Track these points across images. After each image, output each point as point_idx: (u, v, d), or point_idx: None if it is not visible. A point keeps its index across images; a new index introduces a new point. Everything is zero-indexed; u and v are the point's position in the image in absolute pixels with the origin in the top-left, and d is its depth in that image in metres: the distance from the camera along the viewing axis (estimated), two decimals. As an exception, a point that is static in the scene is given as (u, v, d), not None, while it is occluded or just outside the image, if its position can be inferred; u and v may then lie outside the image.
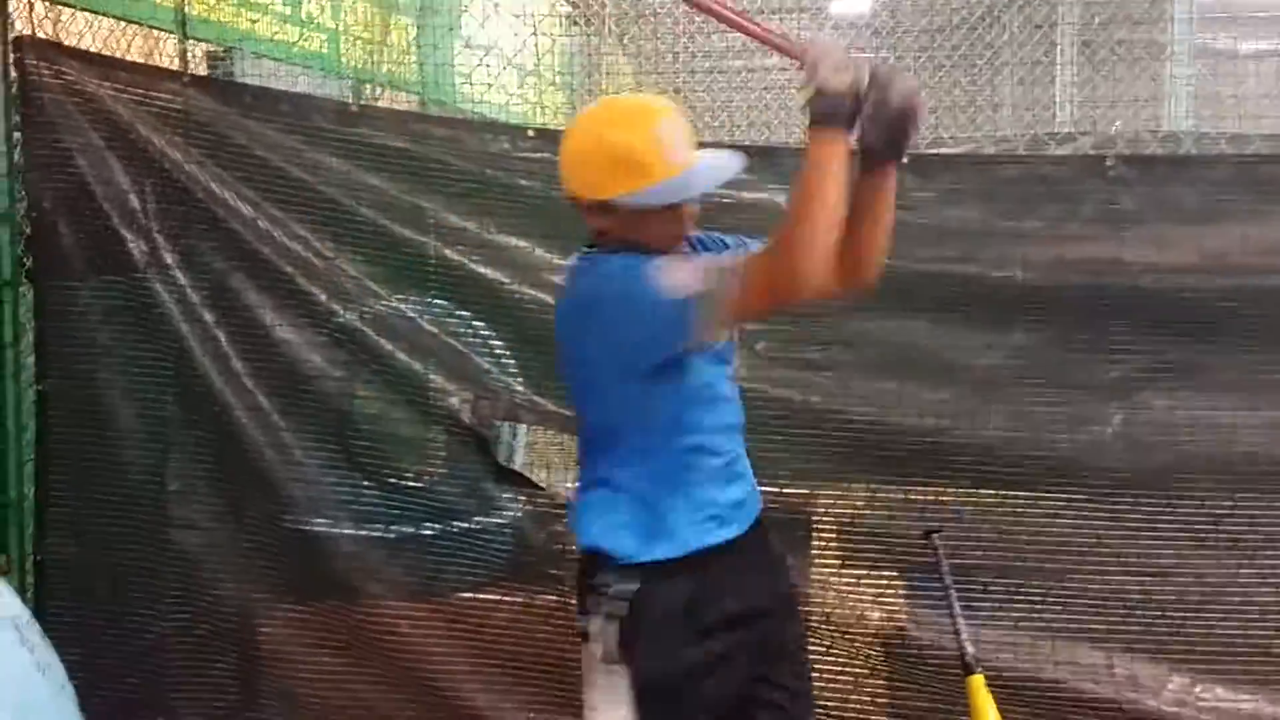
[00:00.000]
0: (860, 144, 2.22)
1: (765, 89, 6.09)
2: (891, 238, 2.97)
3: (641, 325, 2.25)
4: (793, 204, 2.17)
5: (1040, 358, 3.46)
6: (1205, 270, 3.38)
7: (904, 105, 2.15)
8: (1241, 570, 3.43)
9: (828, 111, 2.12)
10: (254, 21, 4.43)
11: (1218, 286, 3.37)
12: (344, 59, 5.01)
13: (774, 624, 2.52)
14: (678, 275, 2.20)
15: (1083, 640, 3.47)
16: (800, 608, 3.16)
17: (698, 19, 6.08)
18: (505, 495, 3.90)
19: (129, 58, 4.05)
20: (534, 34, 5.08)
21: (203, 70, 4.27)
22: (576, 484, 2.59)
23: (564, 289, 2.50)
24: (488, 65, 4.88)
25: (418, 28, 5.65)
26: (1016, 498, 3.52)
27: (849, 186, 2.20)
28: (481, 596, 3.91)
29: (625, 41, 6.68)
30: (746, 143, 5.25)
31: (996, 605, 3.50)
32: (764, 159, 3.55)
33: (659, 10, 6.49)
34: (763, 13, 7.33)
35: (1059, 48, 6.28)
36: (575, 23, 7.08)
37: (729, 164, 2.38)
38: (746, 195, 3.60)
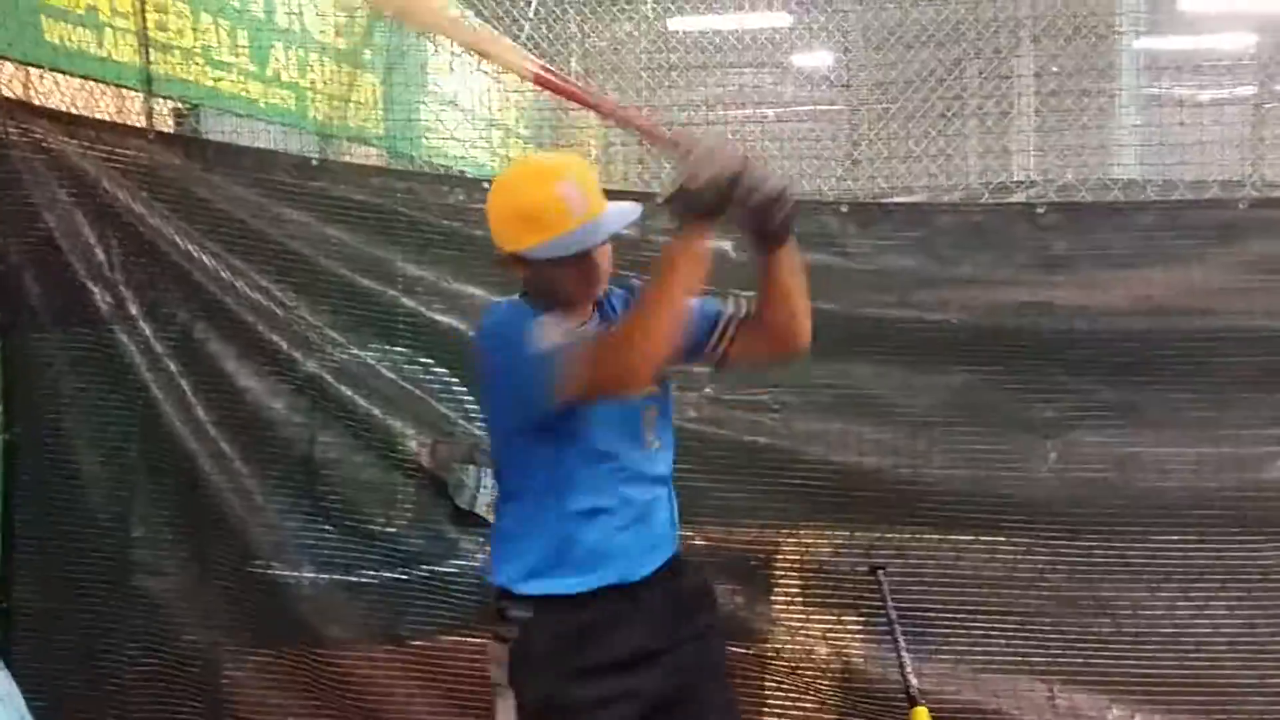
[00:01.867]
0: (743, 230, 2.37)
1: (740, 139, 6.24)
2: (833, 283, 3.11)
3: (511, 374, 2.40)
4: (642, 298, 2.32)
5: (977, 398, 3.58)
6: (1134, 312, 3.51)
7: (772, 196, 2.26)
8: (1178, 603, 3.54)
9: (695, 205, 2.21)
10: (218, 80, 4.55)
11: (1146, 328, 3.50)
12: (310, 114, 5.13)
13: (674, 666, 2.55)
14: (550, 333, 2.35)
15: (1024, 672, 3.57)
16: (756, 643, 3.28)
17: (667, 70, 6.25)
18: (466, 541, 3.98)
19: (98, 115, 4.15)
20: (504, 90, 5.23)
21: (169, 127, 4.38)
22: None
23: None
24: (456, 124, 5.01)
25: (385, 84, 5.77)
26: (958, 534, 3.62)
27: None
28: (444, 640, 3.98)
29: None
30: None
31: (941, 639, 3.59)
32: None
33: (626, 62, 6.64)
34: (725, 67, 7.53)
35: (1016, 99, 6.46)
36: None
37: (628, 212, 2.48)
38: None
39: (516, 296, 2.60)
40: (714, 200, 2.20)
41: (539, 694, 2.49)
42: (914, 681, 3.28)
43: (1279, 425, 3.50)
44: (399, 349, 3.97)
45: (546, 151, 2.59)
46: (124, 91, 4.24)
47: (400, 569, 3.99)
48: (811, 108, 6.63)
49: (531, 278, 2.51)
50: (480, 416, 3.91)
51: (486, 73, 5.28)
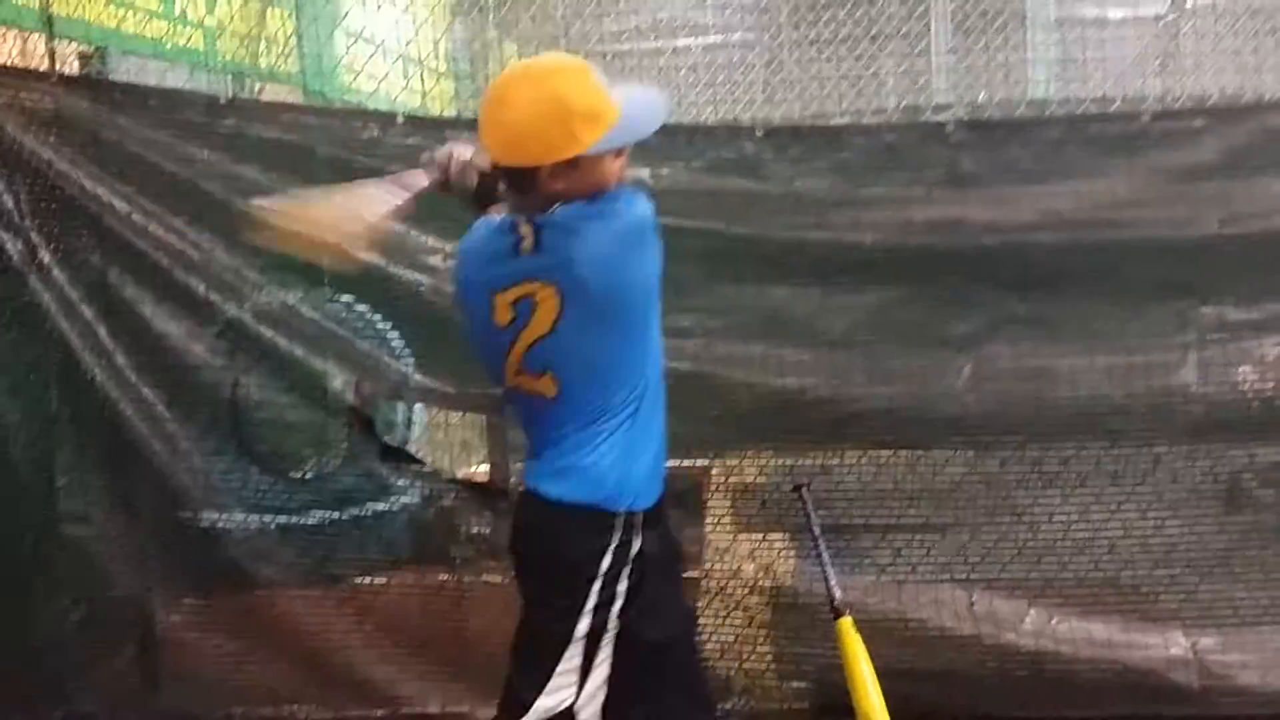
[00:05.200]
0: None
1: (658, 70, 6.22)
2: (750, 208, 3.15)
3: (646, 254, 2.38)
4: None
5: (893, 317, 3.65)
6: (1042, 226, 3.58)
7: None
8: (1090, 508, 3.66)
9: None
10: (122, 20, 4.45)
11: (1054, 242, 3.58)
12: (221, 53, 5.04)
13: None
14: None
15: (945, 581, 3.68)
16: (687, 565, 3.35)
17: (586, 1, 6.20)
18: (400, 481, 4.00)
19: (0, 60, 4.06)
20: (415, 23, 5.16)
21: (74, 70, 4.28)
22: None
23: (561, 242, 2.36)
24: (371, 59, 4.94)
25: (297, 19, 5.67)
26: (878, 449, 3.70)
27: None
28: (379, 580, 4.01)
29: (508, 28, 6.76)
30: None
31: (864, 553, 3.69)
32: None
33: (542, -5, 6.57)
34: (638, -10, 7.41)
35: (932, 22, 6.49)
36: (460, 11, 7.13)
37: (653, 95, 2.50)
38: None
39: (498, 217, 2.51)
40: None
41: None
42: (839, 594, 3.35)
43: (1184, 333, 3.60)
44: (320, 288, 3.95)
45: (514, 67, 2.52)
46: (25, 34, 4.13)
47: (331, 509, 4.00)
48: (728, 35, 6.60)
49: (575, 183, 2.34)
50: (406, 354, 3.94)
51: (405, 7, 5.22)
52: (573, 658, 2.41)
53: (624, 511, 2.41)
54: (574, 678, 2.41)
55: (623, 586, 2.41)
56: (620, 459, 2.40)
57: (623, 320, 2.39)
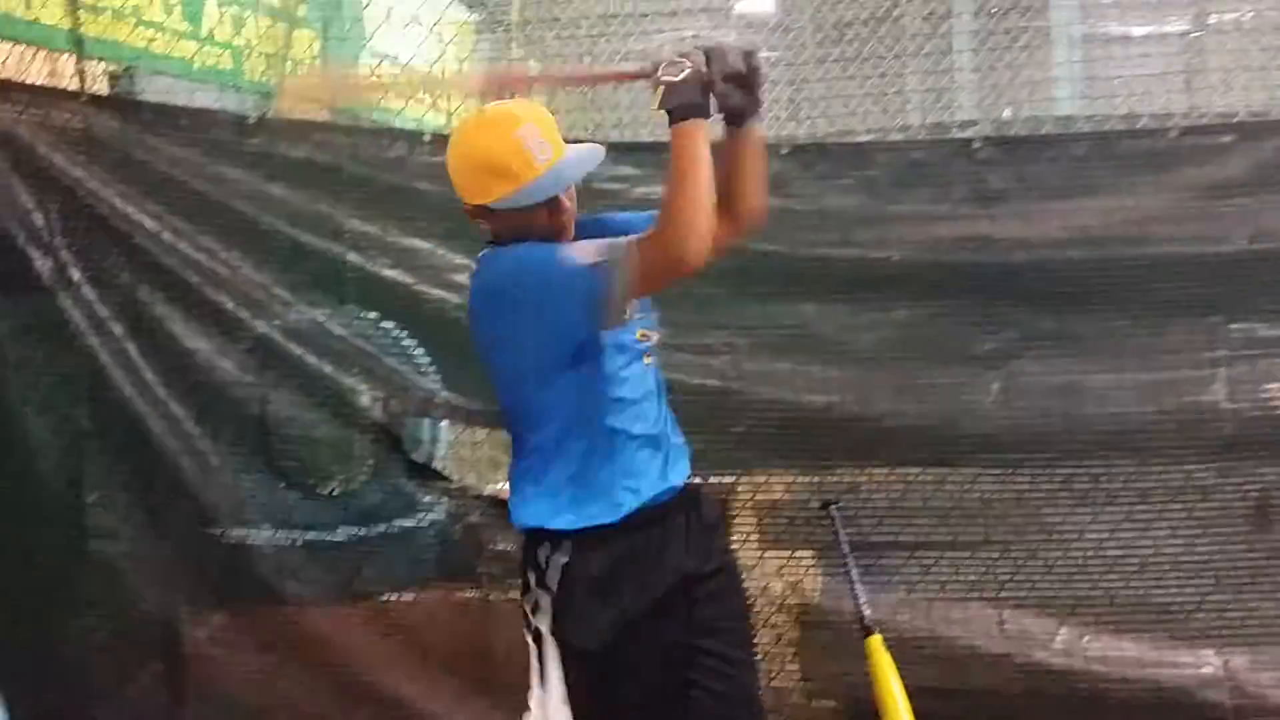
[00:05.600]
0: (723, 112, 2.43)
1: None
2: (776, 225, 3.15)
3: (565, 295, 2.36)
4: (670, 189, 2.32)
5: (921, 333, 3.65)
6: (1070, 243, 3.58)
7: (742, 65, 2.36)
8: (1121, 525, 3.64)
9: (677, 104, 2.30)
10: (151, 40, 4.49)
11: (1083, 258, 3.57)
12: (247, 73, 5.07)
13: (700, 594, 2.55)
14: (583, 250, 2.36)
15: (975, 599, 3.66)
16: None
17: (609, 19, 6.23)
18: (427, 497, 4.00)
19: (31, 80, 4.09)
20: (441, 42, 5.19)
21: (103, 89, 4.32)
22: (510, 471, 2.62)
23: (473, 282, 2.56)
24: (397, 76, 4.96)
25: (323, 39, 5.72)
26: (906, 466, 3.69)
27: (721, 157, 2.41)
28: (406, 596, 4.01)
29: (533, 46, 6.80)
30: (656, 140, 5.40)
31: (893, 571, 3.67)
32: (665, 154, 3.69)
33: (567, 13, 6.61)
34: (668, 14, 7.50)
35: (955, 38, 6.50)
36: (483, 30, 7.18)
37: (593, 155, 2.51)
38: (638, 190, 3.76)
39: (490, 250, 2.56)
40: (698, 90, 2.30)
41: (587, 629, 2.48)
42: (868, 612, 3.34)
43: (1214, 349, 3.59)
44: (347, 305, 3.97)
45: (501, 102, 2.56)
46: (55, 55, 4.17)
47: (358, 525, 4.01)
48: (753, 54, 6.62)
49: (501, 228, 2.48)
50: (433, 371, 3.95)
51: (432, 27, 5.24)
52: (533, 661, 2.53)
53: (546, 529, 2.48)
54: (534, 679, 2.52)
55: (546, 601, 2.48)
56: (535, 486, 2.50)
57: (506, 370, 2.52)
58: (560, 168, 2.43)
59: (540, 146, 2.41)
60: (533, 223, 2.45)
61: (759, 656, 2.88)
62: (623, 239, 2.39)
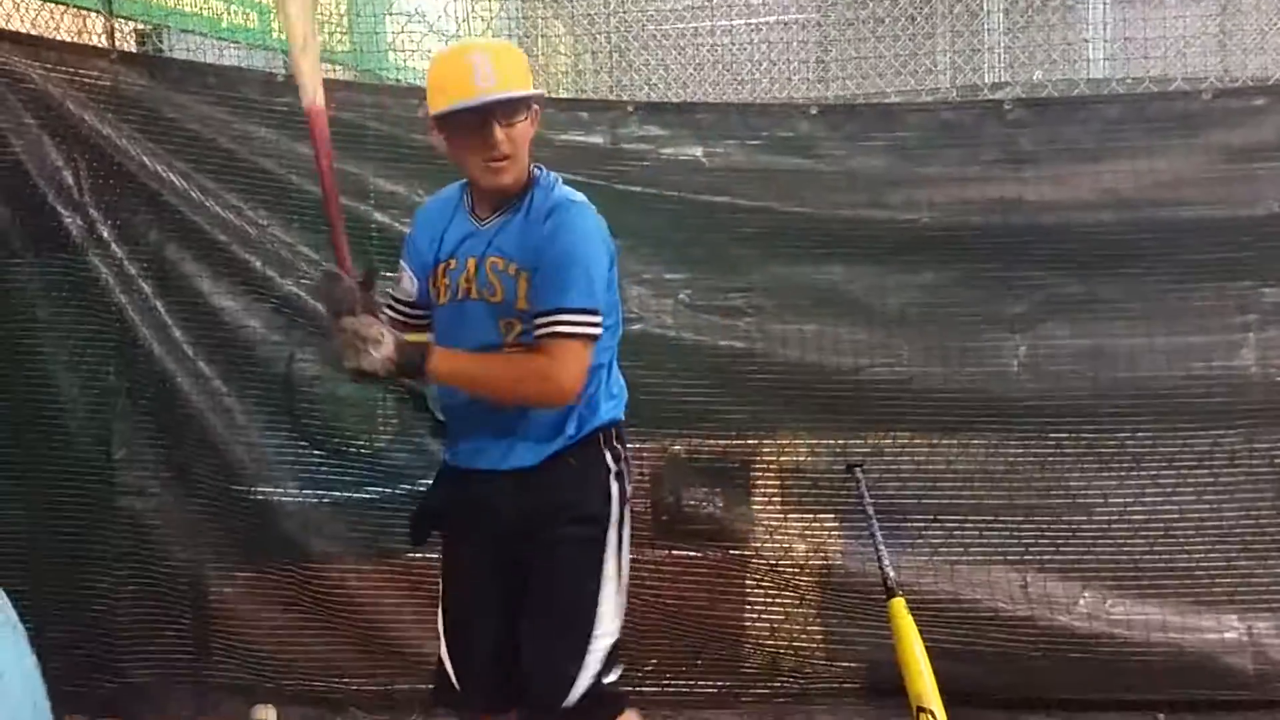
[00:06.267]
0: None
1: (700, 49, 6.21)
2: (804, 186, 3.14)
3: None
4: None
5: (948, 296, 3.64)
6: (1101, 205, 3.55)
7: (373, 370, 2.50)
8: (1146, 490, 3.63)
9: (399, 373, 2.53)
10: (179, -1, 4.50)
11: (1113, 220, 3.54)
12: (274, 33, 5.06)
13: None
14: None
15: (998, 563, 3.66)
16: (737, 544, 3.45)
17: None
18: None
19: (58, 38, 4.09)
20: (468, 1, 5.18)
21: (131, 48, 4.32)
22: None
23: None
24: (422, 38, 4.95)
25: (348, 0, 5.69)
26: (932, 430, 3.68)
27: None
28: (429, 555, 4.02)
29: (560, 7, 6.76)
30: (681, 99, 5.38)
31: (916, 533, 3.67)
32: (692, 115, 3.70)
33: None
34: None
35: (986, 2, 6.43)
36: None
37: (517, 93, 2.53)
38: (666, 151, 3.75)
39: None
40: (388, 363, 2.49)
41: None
42: (891, 574, 3.35)
43: (1244, 313, 3.57)
44: (373, 265, 3.96)
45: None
46: (84, 13, 4.17)
47: (383, 484, 4.02)
48: (781, 17, 6.57)
49: (442, 151, 2.63)
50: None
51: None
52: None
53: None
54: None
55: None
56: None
57: None
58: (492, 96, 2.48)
59: (487, 76, 2.48)
60: (461, 150, 2.58)
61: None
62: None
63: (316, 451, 4.02)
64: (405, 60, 5.37)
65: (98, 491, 3.95)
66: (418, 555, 4.00)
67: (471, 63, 2.48)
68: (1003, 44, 5.58)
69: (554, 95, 5.23)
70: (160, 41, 4.42)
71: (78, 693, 3.81)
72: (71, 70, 3.85)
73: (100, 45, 3.97)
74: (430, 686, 2.84)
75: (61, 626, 3.87)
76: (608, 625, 2.63)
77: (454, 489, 2.75)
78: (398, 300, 2.80)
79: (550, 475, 2.63)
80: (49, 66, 3.83)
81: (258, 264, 3.90)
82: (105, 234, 3.88)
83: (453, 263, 2.64)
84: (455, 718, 3.00)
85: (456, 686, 2.74)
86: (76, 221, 3.87)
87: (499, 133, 2.49)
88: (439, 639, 2.79)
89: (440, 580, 2.82)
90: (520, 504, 2.63)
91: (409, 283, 2.76)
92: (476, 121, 2.48)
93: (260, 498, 3.98)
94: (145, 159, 3.85)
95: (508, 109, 2.49)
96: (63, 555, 3.95)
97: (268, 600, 4.03)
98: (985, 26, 6.01)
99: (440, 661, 2.79)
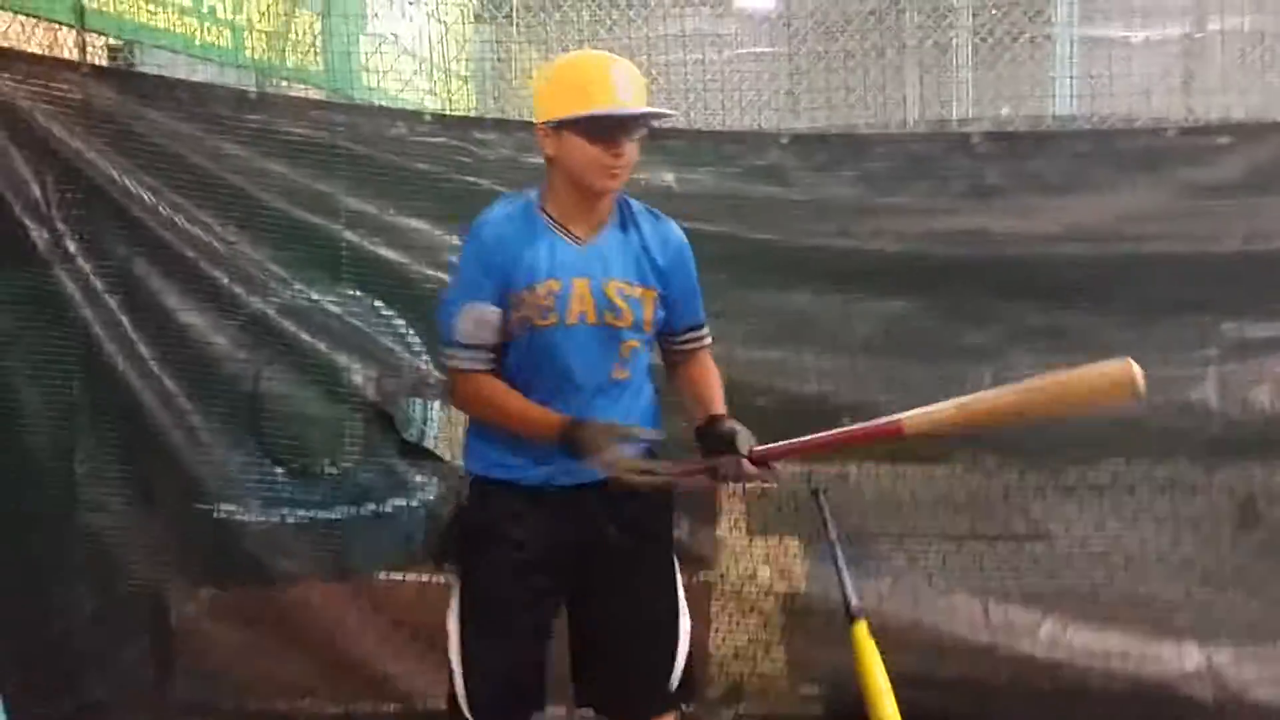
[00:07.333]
0: None
1: (673, 79, 6.24)
2: (774, 214, 3.16)
3: None
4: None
5: (913, 325, 3.68)
6: (1066, 239, 3.60)
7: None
8: (1107, 520, 3.67)
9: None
10: (153, 15, 4.48)
11: (1077, 255, 3.59)
12: (247, 52, 5.06)
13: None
14: None
15: (961, 590, 3.68)
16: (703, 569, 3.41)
17: (609, 9, 6.23)
18: (419, 477, 4.01)
19: (30, 51, 4.07)
20: (443, 27, 5.19)
21: (103, 63, 4.30)
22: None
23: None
24: (395, 60, 4.97)
25: (324, 19, 5.70)
26: (896, 457, 3.71)
27: None
28: (395, 575, 4.02)
29: (534, 31, 6.78)
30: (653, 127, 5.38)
31: (880, 559, 3.69)
32: (664, 141, 3.73)
33: (569, 1, 6.59)
34: (666, 6, 7.45)
35: (954, 38, 6.50)
36: (482, 18, 7.16)
37: (659, 112, 2.61)
38: (638, 176, 3.75)
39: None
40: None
41: None
42: (854, 599, 3.35)
43: (1204, 348, 3.61)
44: (342, 284, 3.97)
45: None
46: (56, 27, 4.15)
47: (349, 504, 4.01)
48: (753, 49, 6.62)
49: (555, 156, 2.56)
50: (426, 351, 3.95)
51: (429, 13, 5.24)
52: None
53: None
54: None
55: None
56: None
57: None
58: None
59: (625, 91, 2.52)
60: (583, 154, 2.54)
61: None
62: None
63: (281, 470, 4.00)
64: (378, 82, 5.37)
65: (59, 507, 3.90)
66: (381, 575, 4.01)
67: (615, 73, 2.53)
68: (971, 79, 5.64)
69: (528, 121, 5.25)
70: (133, 57, 4.41)
71: (36, 712, 3.75)
72: (41, 83, 3.82)
73: (71, 59, 3.94)
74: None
75: (21, 643, 3.81)
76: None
77: (531, 505, 2.67)
78: (482, 345, 2.61)
79: None
80: (18, 79, 3.80)
81: (225, 281, 3.89)
82: (72, 248, 3.85)
83: (554, 284, 2.57)
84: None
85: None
86: (43, 235, 3.83)
87: (628, 144, 2.53)
88: (455, 669, 2.76)
89: (467, 603, 2.77)
90: (622, 513, 2.67)
91: (495, 316, 2.59)
92: (612, 130, 2.51)
93: (224, 516, 3.95)
94: (114, 173, 3.83)
95: (642, 124, 2.56)
96: (22, 571, 3.89)
97: (230, 619, 4.00)
98: (954, 62, 6.07)
99: (453, 698, 2.76)
